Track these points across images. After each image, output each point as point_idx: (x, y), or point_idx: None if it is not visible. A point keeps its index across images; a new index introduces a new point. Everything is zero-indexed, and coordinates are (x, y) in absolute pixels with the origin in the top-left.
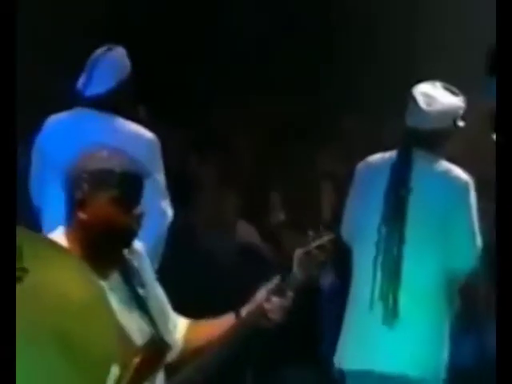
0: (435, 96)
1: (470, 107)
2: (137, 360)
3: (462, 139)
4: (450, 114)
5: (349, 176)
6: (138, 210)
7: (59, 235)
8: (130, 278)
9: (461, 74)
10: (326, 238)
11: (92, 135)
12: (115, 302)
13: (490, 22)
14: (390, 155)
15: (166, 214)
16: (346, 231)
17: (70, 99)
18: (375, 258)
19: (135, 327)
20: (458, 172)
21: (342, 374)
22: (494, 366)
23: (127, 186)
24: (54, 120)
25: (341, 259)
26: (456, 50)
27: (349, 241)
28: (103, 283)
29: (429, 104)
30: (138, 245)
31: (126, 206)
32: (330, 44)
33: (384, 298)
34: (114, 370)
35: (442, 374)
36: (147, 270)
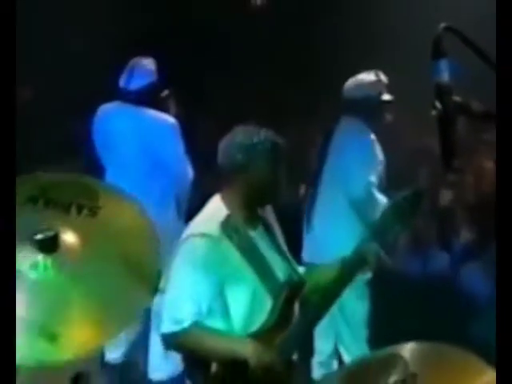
0: (358, 76)
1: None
2: (284, 294)
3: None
4: (363, 87)
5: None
6: (280, 178)
7: (217, 196)
8: (269, 230)
9: (410, 59)
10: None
11: (127, 123)
12: (263, 247)
13: (435, 14)
14: None
15: (189, 172)
16: None
17: (115, 94)
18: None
19: (278, 267)
20: (364, 135)
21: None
22: (434, 277)
23: (274, 157)
24: (104, 108)
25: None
26: (404, 37)
27: None
28: (253, 232)
29: (349, 81)
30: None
31: (273, 174)
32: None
33: (306, 220)
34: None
35: None
36: (276, 225)
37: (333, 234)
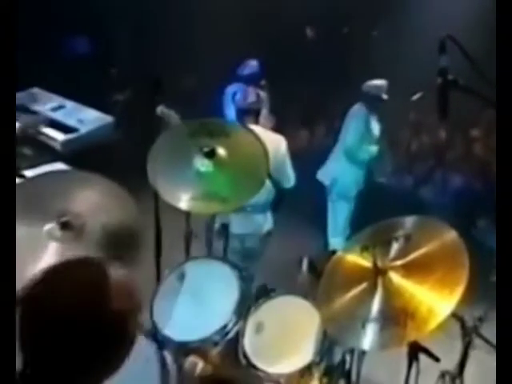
0: (373, 80)
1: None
2: None
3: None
4: (374, 88)
5: None
6: None
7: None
8: None
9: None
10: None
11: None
12: None
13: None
14: None
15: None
16: None
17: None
18: None
19: None
20: (363, 114)
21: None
22: (404, 191)
23: None
24: (230, 87)
25: None
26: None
27: None
28: None
29: (368, 82)
30: None
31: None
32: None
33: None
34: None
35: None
36: None
37: (330, 166)
